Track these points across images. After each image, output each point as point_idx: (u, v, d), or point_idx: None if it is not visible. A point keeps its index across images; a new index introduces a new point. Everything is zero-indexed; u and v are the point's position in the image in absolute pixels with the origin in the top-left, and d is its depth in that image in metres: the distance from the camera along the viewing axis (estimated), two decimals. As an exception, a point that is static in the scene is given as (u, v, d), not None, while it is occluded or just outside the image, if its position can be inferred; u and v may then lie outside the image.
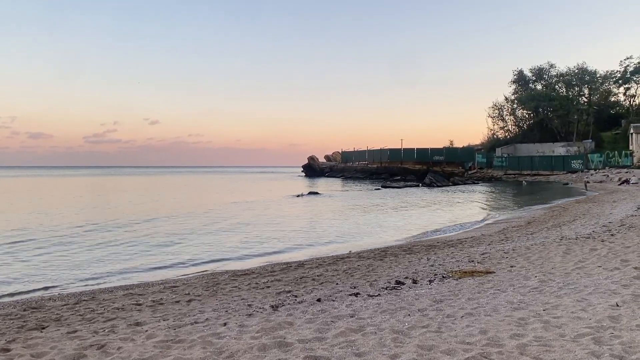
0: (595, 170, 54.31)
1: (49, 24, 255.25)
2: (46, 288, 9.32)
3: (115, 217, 22.33)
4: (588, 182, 43.17)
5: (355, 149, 78.76)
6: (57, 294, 8.73)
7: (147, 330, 5.46)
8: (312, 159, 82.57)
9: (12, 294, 8.86)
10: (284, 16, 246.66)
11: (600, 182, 43.95)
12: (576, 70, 70.68)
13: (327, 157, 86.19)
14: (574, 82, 71.18)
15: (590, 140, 63.77)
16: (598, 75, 69.75)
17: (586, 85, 70.74)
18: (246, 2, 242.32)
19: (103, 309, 7.13)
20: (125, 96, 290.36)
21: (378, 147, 72.14)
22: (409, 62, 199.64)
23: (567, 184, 46.99)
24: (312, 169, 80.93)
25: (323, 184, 54.61)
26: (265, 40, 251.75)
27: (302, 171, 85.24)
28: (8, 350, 4.99)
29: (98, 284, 9.68)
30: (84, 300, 7.94)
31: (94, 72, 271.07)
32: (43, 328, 6.04)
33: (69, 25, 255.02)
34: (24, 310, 7.32)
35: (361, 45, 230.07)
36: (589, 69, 69.88)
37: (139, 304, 7.35)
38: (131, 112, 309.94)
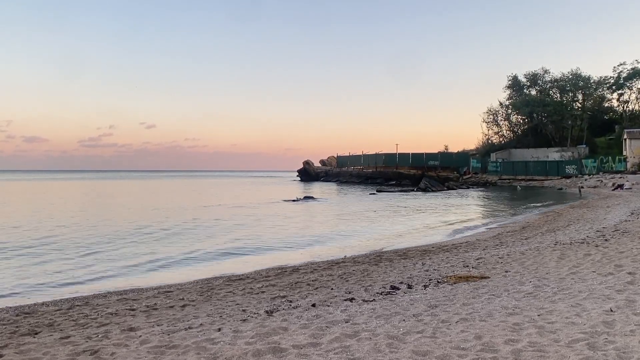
0: (589, 175, 54.52)
1: (45, 27, 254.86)
2: (39, 293, 9.24)
3: (108, 221, 22.24)
4: (582, 187, 43.40)
5: (351, 154, 78.85)
6: (50, 299, 8.67)
7: (140, 336, 5.43)
8: (307, 163, 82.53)
9: (4, 299, 8.78)
10: (279, 21, 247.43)
11: (594, 187, 44.17)
12: (570, 76, 71.12)
13: (322, 162, 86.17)
14: (568, 88, 71.64)
15: (584, 146, 64.11)
16: (592, 81, 70.20)
17: (580, 91, 71.17)
18: (243, 6, 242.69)
19: (97, 314, 7.08)
20: (122, 100, 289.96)
21: (373, 152, 72.29)
22: (404, 67, 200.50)
23: (561, 189, 47.17)
24: (308, 174, 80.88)
25: (318, 189, 54.60)
26: (261, 45, 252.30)
27: (297, 176, 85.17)
28: (0, 356, 4.95)
29: (92, 289, 9.61)
30: (78, 305, 7.89)
31: (90, 75, 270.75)
32: (36, 333, 5.99)
33: (66, 28, 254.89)
34: (17, 315, 7.26)
35: (356, 50, 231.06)
36: (583, 74, 70.37)
37: (133, 309, 7.31)
38: (127, 116, 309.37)
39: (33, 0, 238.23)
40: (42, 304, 8.21)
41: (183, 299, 8.03)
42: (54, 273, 11.06)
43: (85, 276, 10.76)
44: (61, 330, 6.14)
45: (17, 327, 6.44)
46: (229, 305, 7.23)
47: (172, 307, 7.42)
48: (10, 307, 7.97)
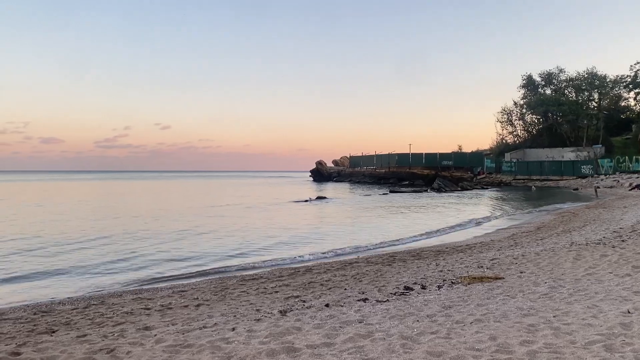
0: (605, 175, 53.88)
1: (61, 28, 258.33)
2: (56, 292, 9.36)
3: (123, 221, 22.46)
4: (598, 187, 42.84)
5: (363, 154, 78.72)
6: (66, 298, 8.78)
7: (156, 335, 5.47)
8: (320, 163, 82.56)
9: (22, 298, 8.91)
10: (292, 21, 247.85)
11: (611, 187, 43.63)
12: (586, 75, 70.25)
13: (335, 162, 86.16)
14: (583, 87, 70.75)
15: (600, 145, 63.27)
16: (608, 80, 69.25)
17: (596, 90, 70.24)
18: (254, 7, 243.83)
19: (112, 313, 7.16)
20: (137, 101, 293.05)
21: (386, 152, 72.12)
22: (417, 66, 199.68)
23: (576, 189, 46.64)
24: (320, 174, 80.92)
25: (331, 189, 54.60)
26: (274, 46, 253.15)
27: (310, 176, 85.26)
28: (19, 353, 5.02)
29: (107, 288, 9.71)
30: (94, 304, 7.98)
31: (106, 77, 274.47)
32: (53, 332, 6.07)
33: (81, 29, 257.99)
34: (34, 314, 7.36)
35: (369, 49, 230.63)
36: (599, 73, 69.44)
37: (148, 309, 7.38)
38: (142, 117, 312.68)
39: (48, 2, 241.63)
40: (59, 302, 8.32)
41: (197, 298, 8.09)
42: (71, 272, 11.20)
43: (101, 275, 10.89)
44: (78, 328, 6.21)
45: (34, 325, 6.54)
46: (242, 305, 7.26)
47: (186, 306, 7.47)
48: (28, 306, 8.09)
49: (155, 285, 9.80)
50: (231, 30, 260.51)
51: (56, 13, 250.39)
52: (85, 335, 5.71)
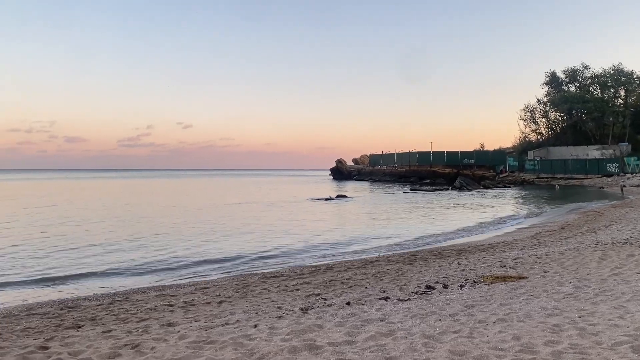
0: (631, 174, 52.79)
1: (85, 28, 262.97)
2: (82, 290, 9.55)
3: (147, 218, 22.76)
4: (624, 186, 42.00)
5: (384, 152, 78.38)
6: (92, 294, 8.94)
7: (179, 331, 5.54)
8: (340, 162, 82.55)
9: (50, 297, 9.10)
10: (312, 22, 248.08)
11: (637, 186, 42.72)
12: (612, 72, 68.87)
13: (355, 161, 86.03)
14: (609, 84, 69.36)
15: (627, 143, 61.96)
16: (635, 76, 67.79)
17: (622, 87, 68.83)
18: (274, 8, 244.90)
19: (136, 309, 7.27)
20: (159, 101, 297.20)
21: (407, 150, 71.64)
22: (439, 65, 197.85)
23: (602, 187, 45.82)
24: (340, 172, 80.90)
25: (351, 187, 54.50)
26: (294, 46, 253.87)
27: (330, 174, 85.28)
28: (47, 348, 5.13)
29: (131, 285, 9.87)
30: (118, 300, 8.12)
31: (129, 76, 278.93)
32: (79, 327, 6.19)
33: (104, 29, 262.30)
34: (61, 309, 7.52)
35: (389, 48, 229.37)
36: (625, 69, 68.08)
37: (171, 305, 7.48)
38: (164, 116, 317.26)
39: (70, 2, 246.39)
40: (85, 298, 8.48)
41: (219, 295, 8.16)
42: (96, 269, 11.41)
43: (126, 272, 11.07)
44: (103, 324, 6.33)
45: (61, 320, 6.68)
46: (264, 302, 7.30)
47: (209, 303, 7.54)
48: (55, 301, 8.27)
49: (178, 282, 9.93)
50: (253, 31, 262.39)
51: (80, 14, 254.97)
52: (110, 331, 5.81)
